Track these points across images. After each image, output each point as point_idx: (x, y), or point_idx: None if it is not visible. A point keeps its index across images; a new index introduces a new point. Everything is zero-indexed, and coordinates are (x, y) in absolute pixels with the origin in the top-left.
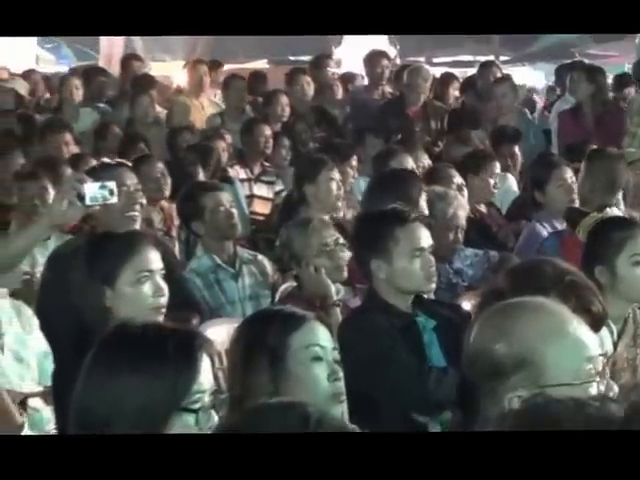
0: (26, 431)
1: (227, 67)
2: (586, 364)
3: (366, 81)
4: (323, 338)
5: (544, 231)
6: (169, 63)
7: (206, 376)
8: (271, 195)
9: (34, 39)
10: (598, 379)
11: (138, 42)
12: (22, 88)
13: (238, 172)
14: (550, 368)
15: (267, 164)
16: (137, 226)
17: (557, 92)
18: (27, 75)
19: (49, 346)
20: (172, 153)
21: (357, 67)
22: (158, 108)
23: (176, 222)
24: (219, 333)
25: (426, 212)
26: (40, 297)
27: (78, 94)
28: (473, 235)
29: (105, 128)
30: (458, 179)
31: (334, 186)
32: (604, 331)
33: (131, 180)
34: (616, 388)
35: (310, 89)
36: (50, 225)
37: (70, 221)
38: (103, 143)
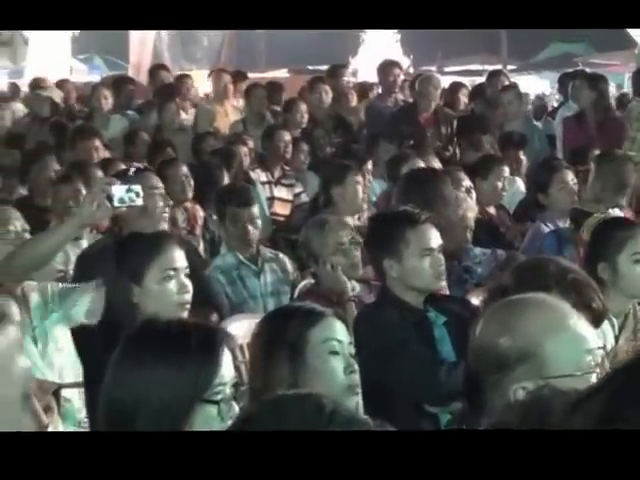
0: (58, 420)
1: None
2: (586, 356)
3: (380, 89)
4: (340, 333)
5: (547, 231)
6: (195, 72)
7: (227, 369)
8: (290, 197)
9: (68, 50)
10: (598, 370)
11: (165, 52)
12: (57, 97)
13: (259, 175)
14: (552, 360)
15: (287, 168)
16: (163, 227)
17: (557, 98)
18: (61, 84)
19: (80, 340)
20: (197, 157)
21: (372, 76)
22: (183, 115)
23: (199, 222)
24: (241, 328)
25: (459, 209)
26: None
27: (108, 103)
28: (482, 235)
29: (134, 134)
30: (467, 182)
31: (360, 188)
32: (606, 325)
33: (156, 183)
34: None
35: (328, 97)
36: (80, 225)
37: (99, 221)
38: (132, 148)
